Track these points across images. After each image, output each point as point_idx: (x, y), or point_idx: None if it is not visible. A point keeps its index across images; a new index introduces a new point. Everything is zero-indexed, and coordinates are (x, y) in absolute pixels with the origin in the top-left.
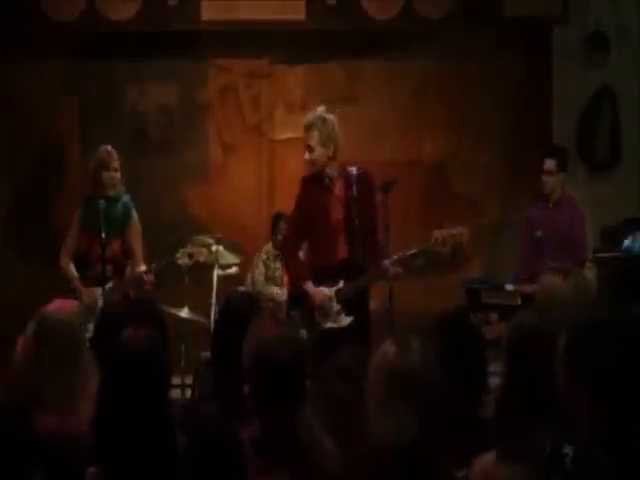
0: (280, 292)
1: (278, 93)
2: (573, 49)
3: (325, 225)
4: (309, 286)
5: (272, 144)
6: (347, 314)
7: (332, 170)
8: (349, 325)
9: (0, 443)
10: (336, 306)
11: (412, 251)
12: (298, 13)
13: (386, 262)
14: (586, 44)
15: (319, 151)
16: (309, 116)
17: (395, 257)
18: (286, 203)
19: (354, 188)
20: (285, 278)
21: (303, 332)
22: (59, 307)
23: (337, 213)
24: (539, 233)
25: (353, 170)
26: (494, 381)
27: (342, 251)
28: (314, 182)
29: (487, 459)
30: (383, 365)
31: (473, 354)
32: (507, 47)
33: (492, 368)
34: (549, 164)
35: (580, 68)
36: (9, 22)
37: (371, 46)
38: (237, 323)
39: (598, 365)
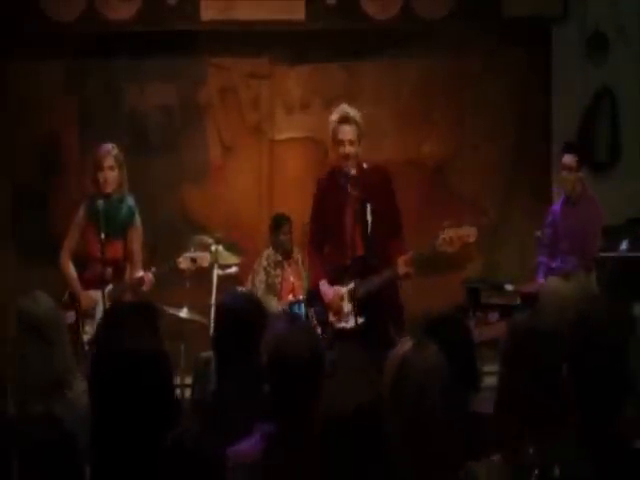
0: (278, 306)
1: (278, 93)
2: (573, 49)
3: (340, 223)
4: (322, 284)
5: (272, 144)
6: (360, 314)
7: (351, 168)
8: (362, 326)
9: None
10: (347, 306)
11: (420, 251)
12: (298, 13)
13: (398, 261)
14: (586, 44)
15: (356, 147)
16: (348, 109)
17: (404, 257)
18: (286, 203)
19: (369, 185)
20: (284, 286)
21: (318, 331)
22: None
23: (351, 211)
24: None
25: (367, 166)
26: (495, 381)
27: (357, 249)
28: (330, 182)
29: None
30: (397, 356)
31: (463, 354)
32: (507, 47)
33: (493, 368)
34: (569, 160)
35: (580, 68)
36: (9, 22)
37: (371, 46)
38: (236, 323)
39: (602, 363)
